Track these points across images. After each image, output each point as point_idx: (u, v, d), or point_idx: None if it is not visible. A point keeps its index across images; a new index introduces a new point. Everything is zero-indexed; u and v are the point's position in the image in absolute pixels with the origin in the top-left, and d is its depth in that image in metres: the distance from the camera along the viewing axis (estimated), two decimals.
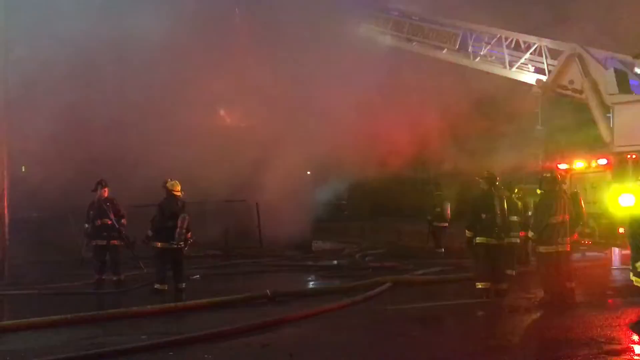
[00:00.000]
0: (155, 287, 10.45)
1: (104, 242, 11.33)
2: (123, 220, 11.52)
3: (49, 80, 14.03)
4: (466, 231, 10.41)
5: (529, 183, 14.00)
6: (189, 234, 10.67)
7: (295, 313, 8.76)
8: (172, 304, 9.47)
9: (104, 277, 11.38)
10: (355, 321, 8.72)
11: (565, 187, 11.03)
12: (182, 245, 10.55)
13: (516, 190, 13.16)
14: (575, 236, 10.35)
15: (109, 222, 11.37)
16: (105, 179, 11.63)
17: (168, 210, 10.53)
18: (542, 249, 9.72)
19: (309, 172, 21.73)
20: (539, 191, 10.22)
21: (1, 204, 12.16)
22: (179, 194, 10.70)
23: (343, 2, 18.75)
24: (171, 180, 10.79)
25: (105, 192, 11.51)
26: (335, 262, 15.42)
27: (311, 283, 12.83)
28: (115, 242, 11.41)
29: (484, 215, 10.08)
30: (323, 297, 10.19)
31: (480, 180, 10.43)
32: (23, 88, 13.17)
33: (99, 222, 11.31)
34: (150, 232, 10.59)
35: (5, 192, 12.17)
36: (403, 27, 17.75)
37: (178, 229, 10.40)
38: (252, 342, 7.50)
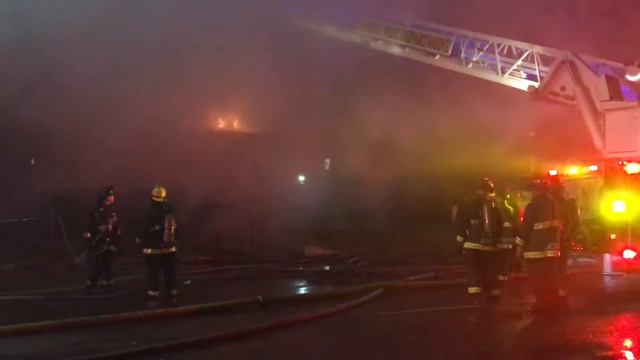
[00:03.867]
0: (148, 293, 10.38)
1: (105, 248, 11.27)
2: (119, 231, 11.49)
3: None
4: (457, 236, 10.42)
5: (521, 189, 14.04)
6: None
7: (287, 319, 8.71)
8: (163, 310, 9.41)
9: (96, 283, 11.31)
10: (347, 327, 8.68)
11: (563, 193, 11.02)
12: (174, 250, 10.47)
13: (508, 196, 13.18)
14: (572, 243, 10.36)
15: (111, 229, 11.33)
16: (113, 185, 11.62)
17: (152, 214, 10.45)
18: (530, 254, 9.70)
19: (301, 178, 21.75)
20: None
21: None
22: (160, 199, 10.60)
23: (336, 9, 18.83)
24: (158, 187, 10.72)
25: (112, 199, 11.50)
26: (327, 267, 15.38)
27: (303, 289, 12.78)
28: (112, 249, 11.35)
29: (472, 221, 10.10)
30: (315, 303, 10.16)
31: (476, 187, 10.45)
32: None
33: (103, 227, 11.25)
34: (138, 240, 10.50)
35: None
36: (396, 34, 17.79)
37: (166, 230, 10.29)
38: (243, 348, 7.46)
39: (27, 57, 13.99)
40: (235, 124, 22.39)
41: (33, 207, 15.79)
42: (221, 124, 22.22)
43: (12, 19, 13.24)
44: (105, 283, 11.28)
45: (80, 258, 13.54)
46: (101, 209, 11.34)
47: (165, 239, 10.28)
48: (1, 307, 10.30)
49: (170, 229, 10.30)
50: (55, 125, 14.65)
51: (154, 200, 10.61)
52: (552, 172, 13.71)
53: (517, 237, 9.99)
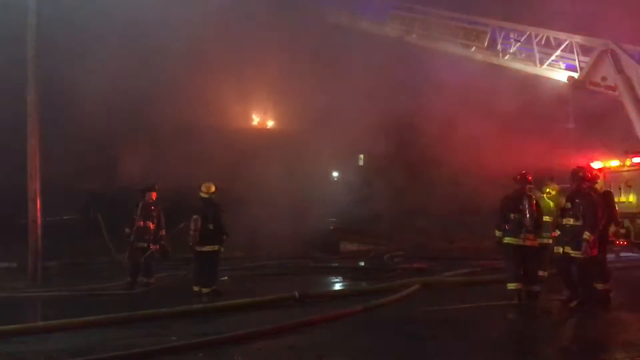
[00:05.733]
0: (194, 289, 10.49)
1: (144, 245, 11.35)
2: (163, 232, 11.55)
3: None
4: (495, 231, 10.22)
5: (561, 183, 13.71)
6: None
7: (323, 315, 8.70)
8: (201, 305, 9.50)
9: (136, 280, 11.47)
10: (383, 324, 8.62)
11: (598, 186, 10.73)
12: (216, 249, 10.48)
13: (548, 190, 12.88)
14: (611, 237, 10.05)
15: (152, 226, 11.40)
16: (155, 183, 11.70)
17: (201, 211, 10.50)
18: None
19: (335, 174, 21.71)
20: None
21: (34, 207, 12.40)
22: (206, 195, 10.59)
23: (369, 3, 18.73)
24: (206, 183, 10.71)
25: (154, 196, 11.54)
26: (362, 263, 15.33)
27: (339, 285, 12.77)
28: (154, 247, 11.43)
29: (512, 216, 9.89)
30: (351, 299, 10.12)
31: (514, 180, 10.24)
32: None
33: (141, 223, 11.31)
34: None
35: (38, 196, 12.40)
36: (430, 26, 17.59)
37: (191, 232, 10.30)
38: (280, 343, 7.48)
39: (60, 58, 14.30)
40: (268, 121, 22.50)
41: (74, 206, 16.19)
42: (254, 121, 22.36)
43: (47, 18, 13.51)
44: (146, 281, 11.41)
45: (121, 255, 13.76)
46: (141, 206, 11.46)
47: (190, 239, 10.32)
48: (44, 303, 10.58)
49: (194, 230, 10.28)
50: (95, 124, 14.97)
51: (201, 197, 10.62)
52: (595, 165, 13.37)
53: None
